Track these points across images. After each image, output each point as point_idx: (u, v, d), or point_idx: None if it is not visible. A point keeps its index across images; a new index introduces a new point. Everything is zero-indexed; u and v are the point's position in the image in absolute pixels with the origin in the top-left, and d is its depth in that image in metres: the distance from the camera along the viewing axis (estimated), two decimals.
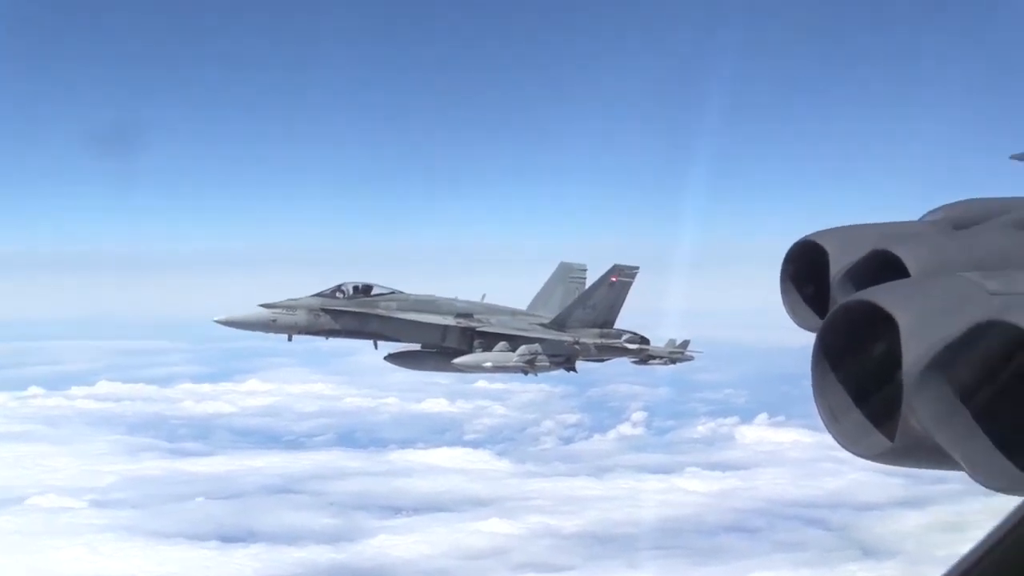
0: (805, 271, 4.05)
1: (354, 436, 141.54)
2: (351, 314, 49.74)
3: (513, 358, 50.50)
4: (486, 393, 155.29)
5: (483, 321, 52.43)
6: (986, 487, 2.72)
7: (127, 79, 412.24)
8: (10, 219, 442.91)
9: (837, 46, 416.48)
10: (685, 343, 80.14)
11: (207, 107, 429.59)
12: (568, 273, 57.86)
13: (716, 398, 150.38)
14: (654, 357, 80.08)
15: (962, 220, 4.07)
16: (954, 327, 2.76)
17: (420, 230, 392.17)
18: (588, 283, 55.88)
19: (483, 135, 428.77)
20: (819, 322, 3.17)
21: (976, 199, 4.31)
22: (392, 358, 52.85)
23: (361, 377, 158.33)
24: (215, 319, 47.80)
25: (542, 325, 53.55)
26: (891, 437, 2.90)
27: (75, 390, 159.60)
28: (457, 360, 50.54)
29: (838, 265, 3.87)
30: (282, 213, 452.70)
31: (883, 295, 2.94)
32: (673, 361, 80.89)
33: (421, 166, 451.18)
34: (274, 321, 47.87)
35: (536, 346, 51.00)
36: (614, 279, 54.14)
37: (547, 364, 51.70)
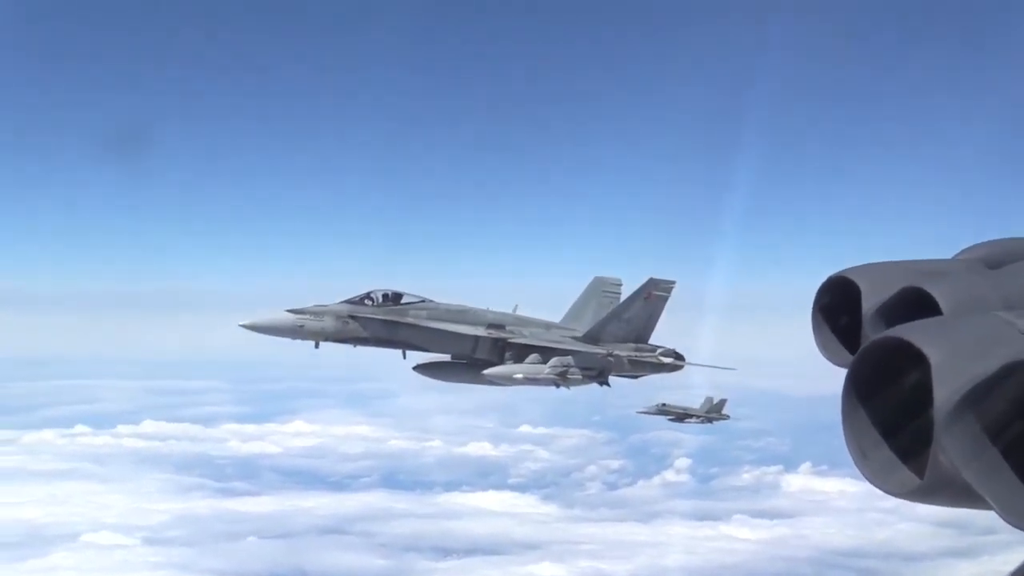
0: (837, 307, 4.02)
1: (398, 478, 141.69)
2: (380, 322, 48.41)
3: (545, 370, 49.06)
4: (529, 437, 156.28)
5: (515, 332, 51.24)
6: (1015, 527, 2.74)
7: (161, 102, 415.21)
8: (51, 258, 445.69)
9: (873, 84, 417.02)
10: (722, 402, 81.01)
11: (242, 139, 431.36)
12: (602, 287, 56.30)
13: (759, 446, 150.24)
14: (691, 416, 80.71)
15: (996, 259, 4.04)
16: (986, 366, 2.76)
17: (455, 244, 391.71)
18: (623, 298, 54.49)
19: (524, 152, 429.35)
20: (850, 358, 3.15)
21: (1010, 238, 4.27)
22: (421, 368, 51.40)
23: (404, 419, 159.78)
24: (240, 323, 46.21)
25: (575, 338, 52.22)
26: (921, 475, 2.88)
27: (121, 428, 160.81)
28: (487, 371, 49.07)
29: (870, 301, 3.85)
30: (315, 246, 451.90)
31: (915, 332, 2.92)
32: (710, 420, 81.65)
33: (457, 181, 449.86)
34: (301, 327, 46.61)
35: (568, 358, 49.59)
36: (650, 293, 52.81)
37: (579, 377, 50.06)
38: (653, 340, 53.11)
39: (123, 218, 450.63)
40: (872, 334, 3.48)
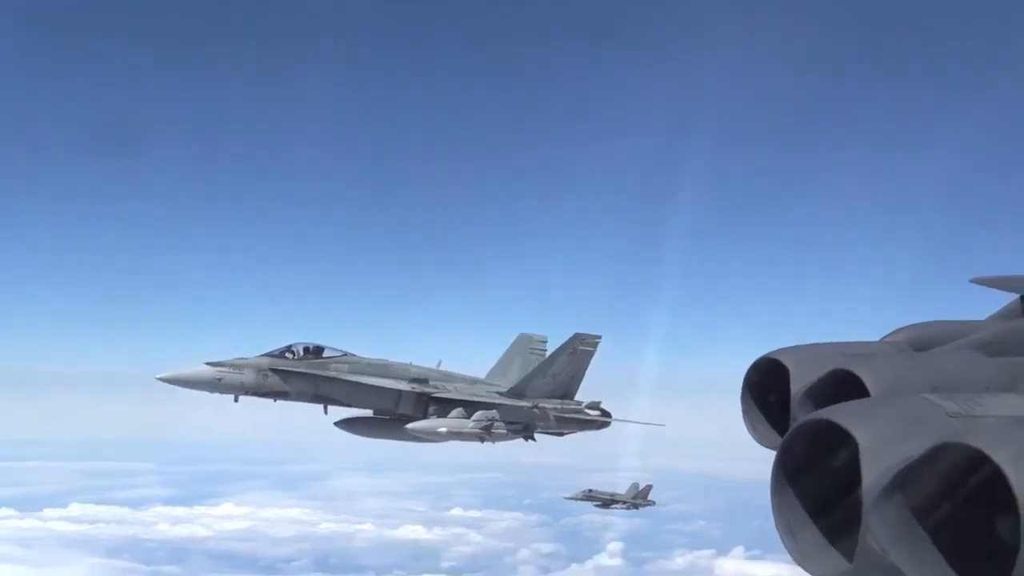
0: (766, 388, 4.07)
1: (330, 562, 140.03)
2: (301, 375, 47.54)
3: (469, 424, 48.06)
4: (461, 520, 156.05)
5: (439, 387, 50.25)
6: None
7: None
8: None
9: (808, 162, 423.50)
10: (647, 488, 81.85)
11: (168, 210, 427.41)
12: (528, 344, 55.81)
13: (690, 530, 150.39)
14: (616, 502, 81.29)
15: (922, 342, 4.19)
16: (913, 448, 2.80)
17: (378, 300, 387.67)
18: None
19: (449, 209, 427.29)
20: (779, 439, 3.22)
21: (936, 321, 4.47)
22: (343, 424, 50.47)
23: (336, 502, 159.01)
24: (158, 376, 45.15)
25: (500, 393, 51.44)
26: (849, 557, 2.92)
27: (48, 511, 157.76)
28: (410, 426, 47.87)
29: (799, 383, 3.91)
30: (236, 309, 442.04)
31: (843, 414, 2.98)
32: (636, 506, 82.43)
33: (381, 237, 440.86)
34: (220, 380, 45.66)
35: (493, 412, 48.69)
36: (575, 348, 52.05)
37: (504, 431, 49.19)
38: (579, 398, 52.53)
39: (46, 296, 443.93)
40: (800, 415, 3.60)
